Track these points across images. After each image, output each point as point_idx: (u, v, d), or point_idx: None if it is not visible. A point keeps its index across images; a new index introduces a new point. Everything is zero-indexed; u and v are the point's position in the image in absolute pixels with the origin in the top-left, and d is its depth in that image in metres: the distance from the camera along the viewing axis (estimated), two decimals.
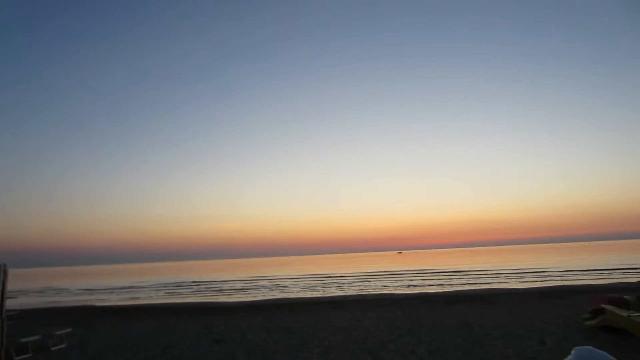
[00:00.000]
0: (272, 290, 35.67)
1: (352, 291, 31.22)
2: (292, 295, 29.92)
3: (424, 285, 33.42)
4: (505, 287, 28.03)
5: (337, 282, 40.60)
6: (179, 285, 48.19)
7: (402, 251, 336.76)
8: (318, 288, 35.21)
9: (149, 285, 50.50)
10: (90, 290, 45.23)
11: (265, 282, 45.52)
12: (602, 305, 11.19)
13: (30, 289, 51.95)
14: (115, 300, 33.22)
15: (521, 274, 40.39)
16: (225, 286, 42.94)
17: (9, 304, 12.91)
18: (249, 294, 33.26)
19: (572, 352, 2.08)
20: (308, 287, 36.34)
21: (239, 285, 43.87)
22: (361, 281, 40.70)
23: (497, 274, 41.17)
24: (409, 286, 32.99)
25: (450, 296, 23.28)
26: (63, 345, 12.82)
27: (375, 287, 33.37)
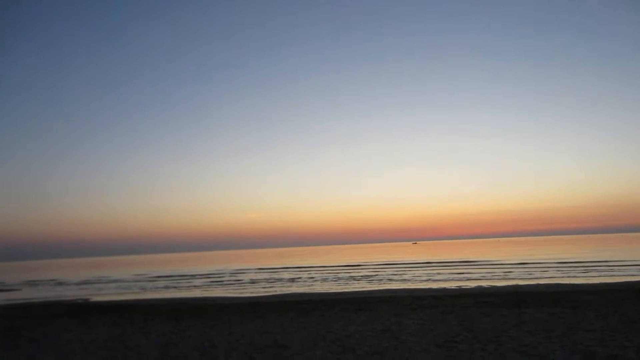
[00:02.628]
0: (286, 283, 30.79)
1: (377, 284, 26.09)
2: (307, 290, 24.97)
3: (461, 278, 28.00)
4: (572, 283, 22.46)
5: (358, 274, 35.46)
6: (184, 277, 43.86)
7: (417, 242, 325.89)
8: (338, 280, 30.16)
9: (152, 277, 46.40)
10: (80, 285, 41.29)
11: (281, 274, 40.75)
12: None
13: (28, 281, 48.60)
14: (101, 295, 28.92)
15: (572, 265, 34.45)
16: (235, 278, 38.33)
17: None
18: (258, 286, 28.46)
19: None
20: (327, 279, 31.32)
21: (249, 277, 39.19)
22: (386, 272, 35.44)
23: (542, 266, 35.33)
24: (444, 279, 27.64)
25: (508, 294, 17.90)
26: None
27: (404, 280, 28.12)
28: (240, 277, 39.46)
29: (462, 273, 32.05)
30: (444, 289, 21.99)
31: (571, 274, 27.31)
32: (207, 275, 43.12)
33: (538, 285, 22.03)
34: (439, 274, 32.42)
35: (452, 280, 27.07)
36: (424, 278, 29.25)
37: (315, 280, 31.48)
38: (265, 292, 25.25)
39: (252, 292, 25.30)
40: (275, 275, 38.77)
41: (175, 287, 31.42)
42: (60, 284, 42.10)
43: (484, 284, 23.96)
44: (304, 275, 37.77)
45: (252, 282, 33.12)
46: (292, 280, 33.05)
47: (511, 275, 28.73)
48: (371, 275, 33.66)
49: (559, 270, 30.42)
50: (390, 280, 29.14)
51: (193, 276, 43.32)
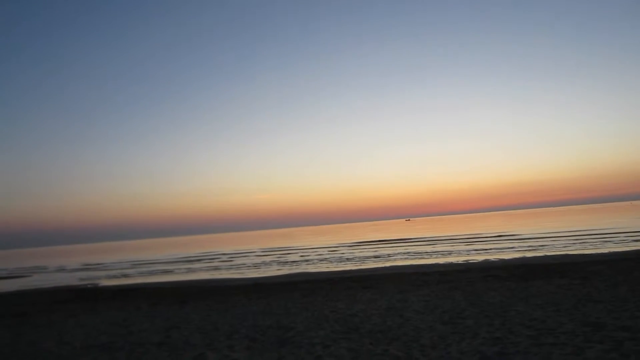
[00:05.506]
0: (293, 263, 30.81)
1: (383, 261, 25.98)
2: (312, 269, 24.92)
3: (468, 253, 27.82)
4: (580, 253, 22.19)
5: (363, 251, 35.43)
6: (192, 259, 44.10)
7: (410, 219, 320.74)
8: (344, 258, 30.12)
9: (161, 260, 46.69)
10: (89, 270, 41.61)
11: (287, 254, 40.84)
12: None
13: (37, 268, 49.10)
14: (108, 279, 29.08)
15: (580, 235, 34.10)
16: (242, 259, 38.46)
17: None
18: (265, 267, 28.49)
19: None
20: (333, 258, 31.29)
21: (256, 258, 39.32)
22: (391, 249, 35.36)
23: (550, 238, 35.01)
24: (450, 254, 27.48)
25: (515, 267, 17.69)
26: None
27: (410, 256, 28.00)
28: (247, 258, 39.59)
29: (469, 247, 31.87)
30: (451, 264, 21.83)
31: (580, 245, 27.03)
32: (215, 257, 43.32)
33: (546, 257, 21.81)
34: (444, 249, 32.26)
35: (458, 254, 26.91)
36: (430, 254, 29.10)
37: (321, 260, 31.46)
38: (271, 272, 25.24)
39: (258, 273, 25.30)
40: (282, 256, 38.85)
41: (182, 270, 31.54)
42: (69, 269, 42.48)
43: (491, 257, 23.78)
44: (311, 254, 37.79)
45: (259, 263, 33.17)
46: (299, 260, 33.06)
47: (519, 247, 28.50)
48: (377, 253, 33.58)
49: (567, 241, 30.14)
50: (395, 256, 29.03)
51: (201, 258, 43.53)
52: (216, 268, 31.33)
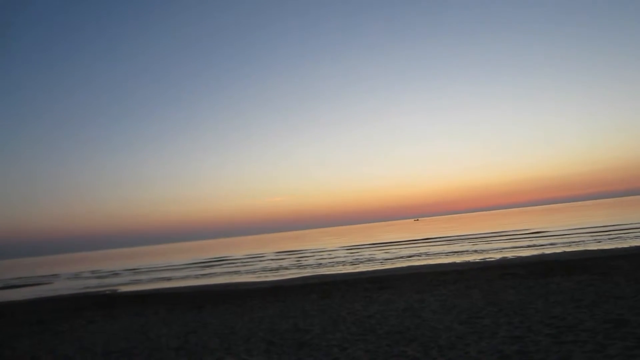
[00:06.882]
0: (309, 266, 30.80)
1: (399, 261, 25.84)
2: (329, 271, 24.87)
3: (485, 251, 27.51)
4: (600, 248, 21.81)
5: (379, 252, 35.28)
6: (208, 264, 44.37)
7: (419, 218, 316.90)
8: (360, 260, 30.02)
9: (178, 265, 47.03)
10: (107, 277, 42.08)
11: (303, 256, 40.85)
12: None
13: (57, 275, 49.80)
14: (126, 285, 29.37)
15: (600, 231, 33.48)
16: (257, 262, 38.57)
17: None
18: (281, 270, 28.53)
19: None
20: (349, 259, 31.21)
21: (271, 261, 39.39)
22: (407, 249, 35.17)
23: (568, 234, 34.44)
24: (466, 253, 27.21)
25: (533, 264, 17.46)
26: None
27: (422, 256, 27.79)
28: (262, 262, 39.69)
29: (485, 246, 31.53)
30: (468, 263, 21.62)
31: (598, 240, 26.56)
32: (230, 261, 43.52)
33: (564, 252, 21.48)
34: (459, 248, 31.96)
35: (474, 253, 26.64)
36: (445, 253, 28.86)
37: (336, 262, 31.40)
38: (287, 275, 25.27)
39: (274, 277, 25.34)
40: (297, 259, 38.87)
41: (198, 275, 31.74)
42: (84, 277, 43.04)
43: (509, 255, 23.50)
44: (325, 256, 37.75)
45: (275, 266, 33.23)
46: (314, 262, 33.04)
47: (536, 244, 28.11)
48: (392, 253, 33.41)
49: (585, 237, 29.63)
50: (411, 257, 28.85)
51: (215, 263, 43.76)
52: (232, 272, 31.46)
